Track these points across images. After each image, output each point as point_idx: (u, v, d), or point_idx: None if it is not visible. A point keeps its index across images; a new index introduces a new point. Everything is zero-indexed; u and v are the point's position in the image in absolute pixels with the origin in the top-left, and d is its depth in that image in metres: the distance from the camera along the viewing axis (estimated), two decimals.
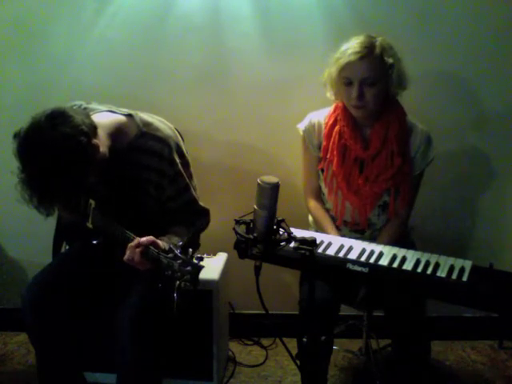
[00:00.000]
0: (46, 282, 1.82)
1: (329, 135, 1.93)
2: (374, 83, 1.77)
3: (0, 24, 2.27)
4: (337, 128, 1.92)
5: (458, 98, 2.26)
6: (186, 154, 1.86)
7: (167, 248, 1.53)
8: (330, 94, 1.93)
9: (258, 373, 2.35)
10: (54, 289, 1.81)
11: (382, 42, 1.79)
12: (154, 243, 1.58)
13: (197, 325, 2.11)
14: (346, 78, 1.79)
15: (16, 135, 1.52)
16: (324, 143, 1.95)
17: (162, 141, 1.76)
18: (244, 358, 2.44)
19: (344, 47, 1.80)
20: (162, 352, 1.80)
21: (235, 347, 2.50)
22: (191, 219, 1.86)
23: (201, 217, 1.90)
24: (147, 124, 1.78)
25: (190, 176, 1.88)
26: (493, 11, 2.14)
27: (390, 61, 1.78)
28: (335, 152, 1.91)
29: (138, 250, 1.57)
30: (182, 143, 1.86)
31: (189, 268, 1.44)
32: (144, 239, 1.58)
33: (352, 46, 1.78)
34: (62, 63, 2.30)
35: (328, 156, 1.93)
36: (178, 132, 1.90)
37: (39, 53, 2.29)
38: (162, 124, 1.82)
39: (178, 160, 1.79)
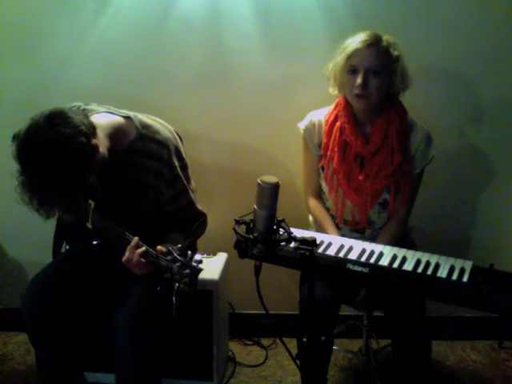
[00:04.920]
0: (45, 282, 1.82)
1: (329, 132, 1.94)
2: (379, 73, 1.79)
3: (0, 24, 2.27)
4: (337, 124, 1.92)
5: (458, 96, 2.26)
6: (185, 157, 1.86)
7: (166, 250, 1.53)
8: (332, 89, 1.93)
9: (257, 373, 2.35)
10: (54, 289, 1.81)
11: (388, 38, 1.83)
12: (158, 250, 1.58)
13: (197, 325, 2.11)
14: (351, 66, 1.81)
15: (15, 137, 1.51)
16: (324, 140, 1.95)
17: (161, 143, 1.76)
18: (244, 358, 2.44)
19: (350, 40, 1.83)
20: (160, 353, 1.80)
21: (235, 347, 2.50)
22: (188, 224, 1.86)
23: (198, 221, 1.90)
24: (146, 126, 1.77)
25: (188, 179, 1.87)
26: (493, 10, 2.14)
27: (396, 53, 1.81)
28: (336, 149, 1.92)
29: (138, 251, 1.57)
30: (180, 146, 1.86)
31: (188, 271, 1.44)
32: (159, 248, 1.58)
33: (359, 36, 1.81)
34: (62, 63, 2.30)
35: (329, 153, 1.94)
36: (177, 134, 1.90)
37: (39, 53, 2.29)
38: (162, 126, 1.82)
39: (176, 163, 1.79)
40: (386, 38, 1.82)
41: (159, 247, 1.59)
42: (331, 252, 1.66)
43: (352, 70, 1.81)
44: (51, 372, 1.89)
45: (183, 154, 1.85)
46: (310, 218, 2.12)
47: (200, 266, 1.46)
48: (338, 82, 1.90)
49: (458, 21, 2.16)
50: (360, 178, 1.90)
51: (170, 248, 1.52)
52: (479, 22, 2.15)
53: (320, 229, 1.99)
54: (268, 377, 2.32)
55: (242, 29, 2.21)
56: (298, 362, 1.56)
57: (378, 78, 1.79)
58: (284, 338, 1.47)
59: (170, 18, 2.21)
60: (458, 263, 1.58)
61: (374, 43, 1.79)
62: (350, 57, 1.80)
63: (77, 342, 1.93)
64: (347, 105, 1.91)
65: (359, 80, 1.79)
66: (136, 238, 1.60)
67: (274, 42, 2.23)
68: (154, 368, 1.78)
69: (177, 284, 1.44)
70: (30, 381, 2.26)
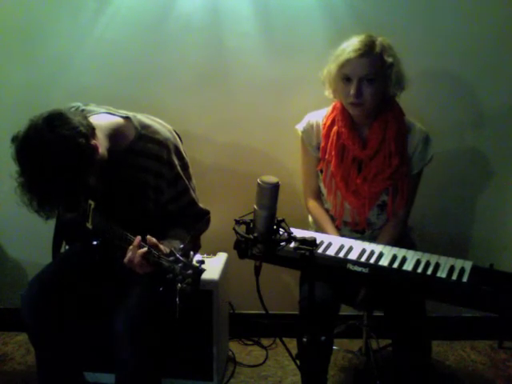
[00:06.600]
0: (45, 283, 1.82)
1: (327, 136, 1.94)
2: (373, 81, 1.78)
3: (0, 24, 2.27)
4: (335, 128, 1.92)
5: (458, 98, 2.26)
6: (185, 156, 1.86)
7: (168, 251, 1.53)
8: (328, 93, 1.93)
9: (257, 373, 2.34)
10: (54, 289, 1.81)
11: (383, 42, 1.80)
12: (155, 246, 1.58)
13: (197, 325, 2.11)
14: (344, 75, 1.80)
15: (14, 138, 1.51)
16: (322, 144, 1.95)
17: (161, 143, 1.76)
18: (244, 358, 2.44)
19: (344, 45, 1.81)
20: (160, 353, 1.80)
21: (235, 347, 2.50)
22: (191, 221, 1.86)
23: (201, 219, 1.90)
24: (146, 126, 1.77)
25: (189, 178, 1.87)
26: (493, 11, 2.14)
27: (390, 60, 1.79)
28: (333, 152, 1.91)
29: (140, 251, 1.57)
30: (180, 145, 1.86)
31: (190, 271, 1.43)
32: (148, 237, 1.58)
33: (352, 43, 1.79)
34: (62, 63, 2.30)
35: (326, 156, 1.94)
36: (177, 134, 1.90)
37: (39, 53, 2.29)
38: (161, 126, 1.82)
39: (176, 162, 1.79)
40: (380, 41, 1.79)
41: (161, 247, 1.59)
42: (331, 252, 1.66)
43: (346, 79, 1.80)
44: (51, 372, 1.89)
45: (183, 154, 1.85)
46: (310, 218, 2.12)
47: (202, 266, 1.46)
48: (332, 88, 1.90)
49: (458, 22, 2.16)
50: (358, 181, 1.89)
51: (172, 249, 1.52)
52: (479, 24, 2.15)
53: (320, 229, 1.99)
54: (268, 377, 2.32)
55: (242, 29, 2.21)
56: (298, 361, 1.56)
57: (372, 86, 1.78)
58: (284, 338, 1.47)
59: (170, 18, 2.21)
60: (458, 263, 1.58)
61: (367, 52, 1.76)
62: (342, 66, 1.79)
63: (77, 342, 1.93)
64: (344, 109, 1.90)
65: (353, 90, 1.78)
66: (138, 238, 1.60)
67: (273, 42, 2.23)
68: (154, 368, 1.78)
69: (179, 284, 1.43)
70: (29, 381, 2.26)
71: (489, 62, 2.20)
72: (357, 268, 1.56)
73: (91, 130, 1.58)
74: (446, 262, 1.59)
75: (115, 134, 1.71)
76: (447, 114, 2.26)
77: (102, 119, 1.72)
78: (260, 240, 1.28)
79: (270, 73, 2.26)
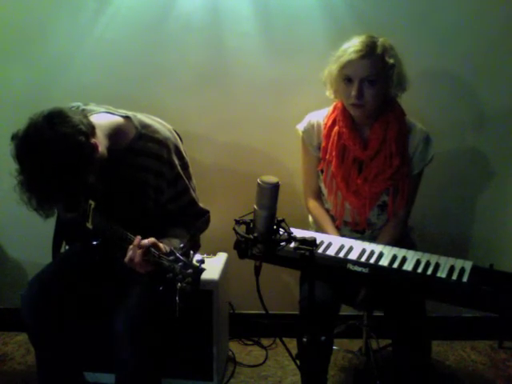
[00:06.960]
0: (45, 283, 1.82)
1: (328, 136, 1.94)
2: (374, 82, 1.78)
3: (0, 24, 2.27)
4: (336, 129, 1.92)
5: (458, 98, 2.26)
6: (185, 156, 1.86)
7: (168, 250, 1.53)
8: (329, 93, 1.93)
9: (257, 373, 2.34)
10: (54, 289, 1.81)
11: (384, 43, 1.80)
12: (155, 245, 1.57)
13: (197, 325, 2.11)
14: (346, 76, 1.80)
15: (14, 136, 1.51)
16: (323, 144, 1.95)
17: (161, 143, 1.76)
18: (244, 358, 2.44)
19: (345, 46, 1.81)
20: (160, 353, 1.80)
21: (235, 347, 2.50)
22: (191, 221, 1.86)
23: (201, 218, 1.90)
24: (146, 126, 1.77)
25: (189, 177, 1.88)
26: (493, 11, 2.14)
27: (391, 61, 1.79)
28: (334, 153, 1.91)
29: (139, 251, 1.57)
30: (180, 145, 1.86)
31: (190, 270, 1.43)
32: (145, 241, 1.57)
33: (354, 44, 1.79)
34: (62, 63, 2.30)
35: (327, 157, 1.94)
36: (177, 133, 1.90)
37: (39, 53, 2.29)
38: (161, 126, 1.82)
39: (176, 162, 1.79)
40: (381, 42, 1.79)
41: (161, 246, 1.59)
42: (331, 252, 1.67)
43: (347, 80, 1.80)
44: (51, 372, 1.89)
45: (183, 153, 1.85)
46: (310, 218, 2.12)
47: (202, 265, 1.46)
48: (334, 89, 1.90)
49: (458, 22, 2.16)
50: (358, 181, 1.90)
51: (172, 248, 1.52)
52: (479, 24, 2.15)
53: (320, 229, 1.99)
54: (268, 377, 2.32)
55: (242, 29, 2.21)
56: (298, 361, 1.56)
57: (373, 87, 1.78)
58: (284, 338, 1.47)
59: (170, 18, 2.21)
60: (458, 263, 1.58)
61: (368, 53, 1.76)
62: (343, 67, 1.79)
63: (77, 342, 1.93)
64: (345, 109, 1.90)
65: (354, 91, 1.78)
66: (138, 237, 1.60)
67: (274, 42, 2.23)
68: (154, 368, 1.78)
69: (179, 284, 1.43)
70: (29, 381, 2.26)
71: (489, 62, 2.20)
72: (357, 268, 1.57)
73: (91, 128, 1.58)
74: (446, 262, 1.59)
75: (115, 133, 1.70)
76: (447, 114, 2.26)
77: (102, 118, 1.72)
78: (260, 240, 1.28)
79: (270, 73, 2.26)
